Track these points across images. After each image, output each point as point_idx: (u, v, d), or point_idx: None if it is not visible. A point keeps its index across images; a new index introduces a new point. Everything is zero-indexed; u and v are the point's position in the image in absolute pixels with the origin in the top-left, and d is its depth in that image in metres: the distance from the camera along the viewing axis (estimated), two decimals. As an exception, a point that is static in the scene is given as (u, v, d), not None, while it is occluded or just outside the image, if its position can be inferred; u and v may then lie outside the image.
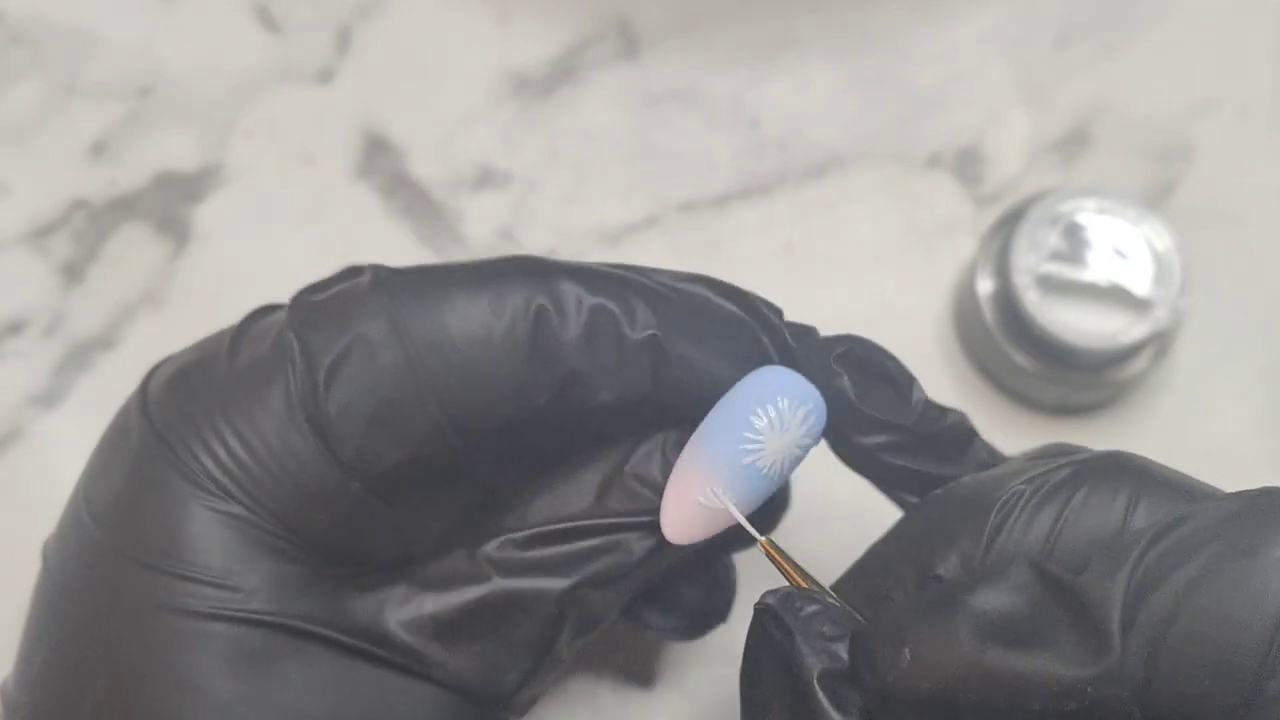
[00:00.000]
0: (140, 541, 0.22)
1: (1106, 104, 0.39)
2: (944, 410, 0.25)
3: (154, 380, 0.24)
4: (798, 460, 0.24)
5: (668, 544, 0.24)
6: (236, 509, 0.22)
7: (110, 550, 0.23)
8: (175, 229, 0.37)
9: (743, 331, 0.24)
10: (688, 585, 0.28)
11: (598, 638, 0.26)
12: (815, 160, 0.38)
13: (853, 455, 0.25)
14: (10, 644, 0.25)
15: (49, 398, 0.36)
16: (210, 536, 0.22)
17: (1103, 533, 0.20)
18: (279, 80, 0.39)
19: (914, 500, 0.25)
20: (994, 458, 0.25)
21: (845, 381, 0.24)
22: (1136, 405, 0.36)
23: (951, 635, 0.19)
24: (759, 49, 0.39)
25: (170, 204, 0.37)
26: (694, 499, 0.23)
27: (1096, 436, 0.36)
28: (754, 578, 0.28)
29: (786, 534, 0.27)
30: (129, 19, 0.39)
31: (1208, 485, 0.22)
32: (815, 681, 0.20)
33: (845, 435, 0.25)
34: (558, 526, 0.24)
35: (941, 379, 0.36)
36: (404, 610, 0.24)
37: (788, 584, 0.22)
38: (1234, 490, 0.20)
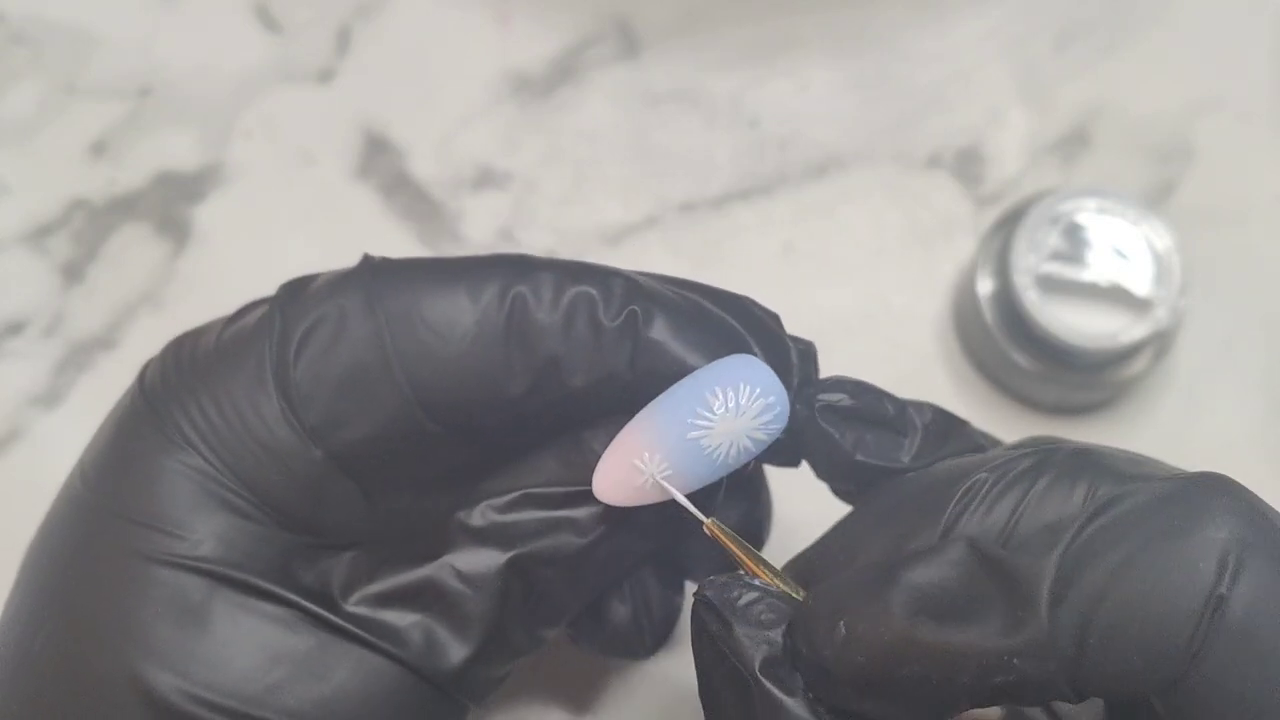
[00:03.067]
0: (113, 490, 0.23)
1: (1106, 104, 0.39)
2: (948, 424, 0.25)
3: (152, 363, 0.25)
4: (749, 453, 0.23)
5: (623, 529, 0.24)
6: (199, 462, 0.23)
7: (87, 500, 0.24)
8: (175, 229, 0.37)
9: (730, 335, 0.24)
10: (619, 603, 0.27)
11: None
12: (815, 160, 0.38)
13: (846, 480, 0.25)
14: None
15: (49, 398, 0.36)
16: (172, 487, 0.23)
17: (1063, 519, 0.20)
18: (279, 80, 0.39)
19: None
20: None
21: (836, 434, 0.24)
22: (1136, 405, 0.36)
23: (885, 609, 0.19)
24: (759, 49, 0.39)
25: (170, 204, 0.37)
26: (629, 461, 0.23)
27: (1096, 436, 0.36)
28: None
29: (789, 541, 0.27)
30: (129, 19, 0.39)
31: (1158, 469, 0.22)
32: (758, 671, 0.20)
33: (843, 475, 0.25)
34: (506, 498, 0.24)
35: (941, 379, 0.36)
36: (353, 578, 0.24)
37: (729, 574, 0.22)
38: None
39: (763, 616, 0.21)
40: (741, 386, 0.23)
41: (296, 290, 0.24)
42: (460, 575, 0.24)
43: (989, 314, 0.35)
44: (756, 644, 0.20)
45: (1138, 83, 0.39)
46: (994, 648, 0.18)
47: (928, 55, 0.39)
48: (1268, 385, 0.36)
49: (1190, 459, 0.35)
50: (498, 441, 0.25)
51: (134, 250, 0.37)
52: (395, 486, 0.25)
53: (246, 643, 0.22)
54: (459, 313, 0.23)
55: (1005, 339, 0.34)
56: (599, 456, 0.23)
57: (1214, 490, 0.19)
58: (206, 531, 0.23)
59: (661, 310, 0.24)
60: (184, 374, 0.24)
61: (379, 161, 0.38)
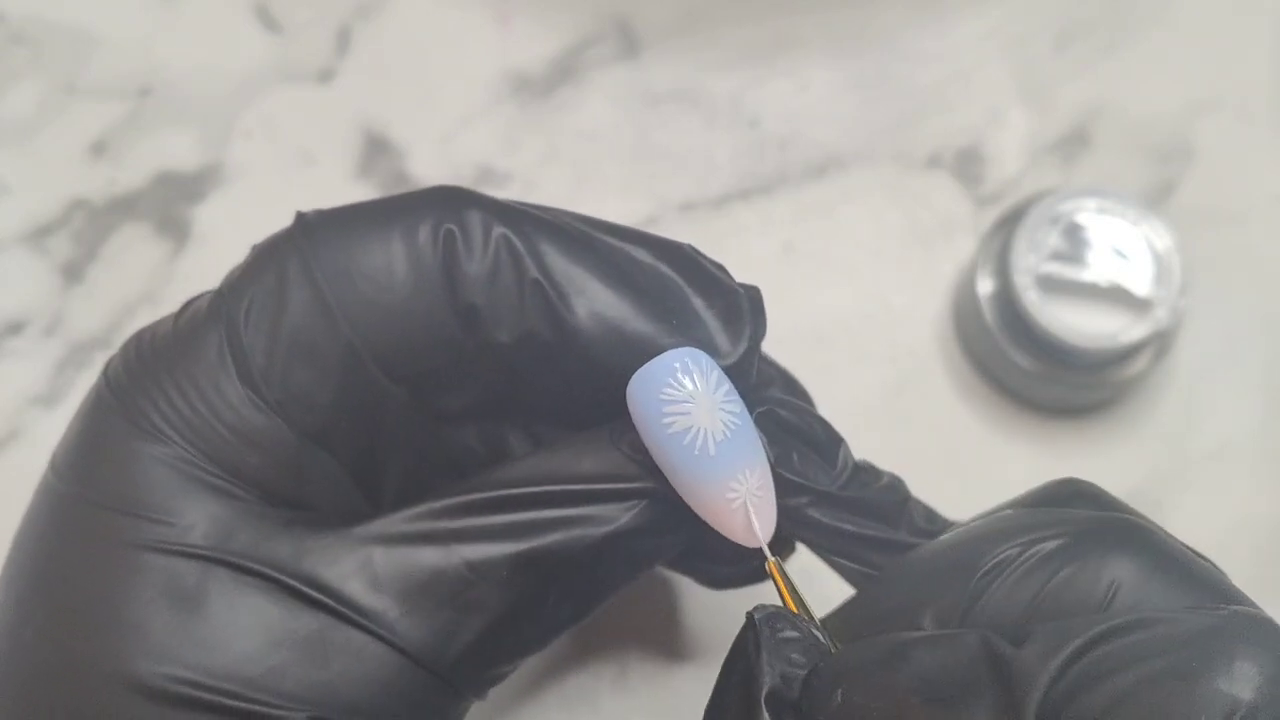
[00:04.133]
0: (90, 481, 0.23)
1: (1106, 104, 0.39)
2: (877, 474, 0.25)
3: (115, 352, 0.25)
4: (734, 426, 0.22)
5: (641, 531, 0.23)
6: (174, 450, 0.23)
7: (64, 493, 0.23)
8: (175, 229, 0.37)
9: (670, 292, 0.23)
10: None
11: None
12: (815, 160, 0.38)
13: (785, 519, 0.24)
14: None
15: (49, 398, 0.36)
16: (152, 475, 0.23)
17: (1080, 613, 0.20)
18: (279, 80, 0.39)
19: (852, 565, 0.24)
20: (932, 523, 0.25)
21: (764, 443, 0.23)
22: (1136, 405, 0.36)
23: (884, 685, 0.19)
24: (759, 49, 0.39)
25: (170, 204, 0.37)
26: (733, 481, 0.22)
27: (1096, 436, 0.36)
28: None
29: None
30: (129, 19, 0.39)
31: (1210, 568, 0.21)
32: (762, 698, 0.20)
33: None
34: (522, 490, 0.23)
35: (941, 379, 0.36)
36: (351, 560, 0.23)
37: (781, 604, 0.22)
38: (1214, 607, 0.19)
39: (792, 656, 0.21)
40: (691, 373, 0.22)
41: (236, 269, 0.24)
42: (469, 564, 0.23)
43: (989, 314, 0.35)
44: (775, 676, 0.20)
45: (1138, 83, 0.39)
46: None
47: (928, 55, 0.39)
48: (1268, 385, 0.36)
49: (1190, 459, 0.35)
50: (480, 409, 0.24)
51: (134, 250, 0.37)
52: (385, 461, 0.25)
53: (245, 625, 0.22)
54: (394, 260, 0.23)
55: (1005, 339, 0.34)
56: (622, 452, 0.23)
57: (1241, 637, 0.18)
58: (196, 515, 0.23)
59: (595, 267, 0.23)
60: (146, 364, 0.24)
61: (379, 161, 0.38)
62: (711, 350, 0.23)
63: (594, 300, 0.23)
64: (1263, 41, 0.39)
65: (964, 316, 0.36)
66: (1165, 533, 0.21)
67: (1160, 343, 0.34)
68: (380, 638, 0.23)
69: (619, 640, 0.32)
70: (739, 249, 0.37)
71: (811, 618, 0.22)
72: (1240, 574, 0.21)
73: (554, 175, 0.38)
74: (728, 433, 0.22)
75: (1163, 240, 0.34)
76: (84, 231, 0.37)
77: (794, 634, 0.21)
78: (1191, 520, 0.35)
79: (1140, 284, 0.34)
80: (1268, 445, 0.36)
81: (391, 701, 0.23)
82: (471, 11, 0.39)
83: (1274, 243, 0.37)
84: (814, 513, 0.24)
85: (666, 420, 0.22)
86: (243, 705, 0.22)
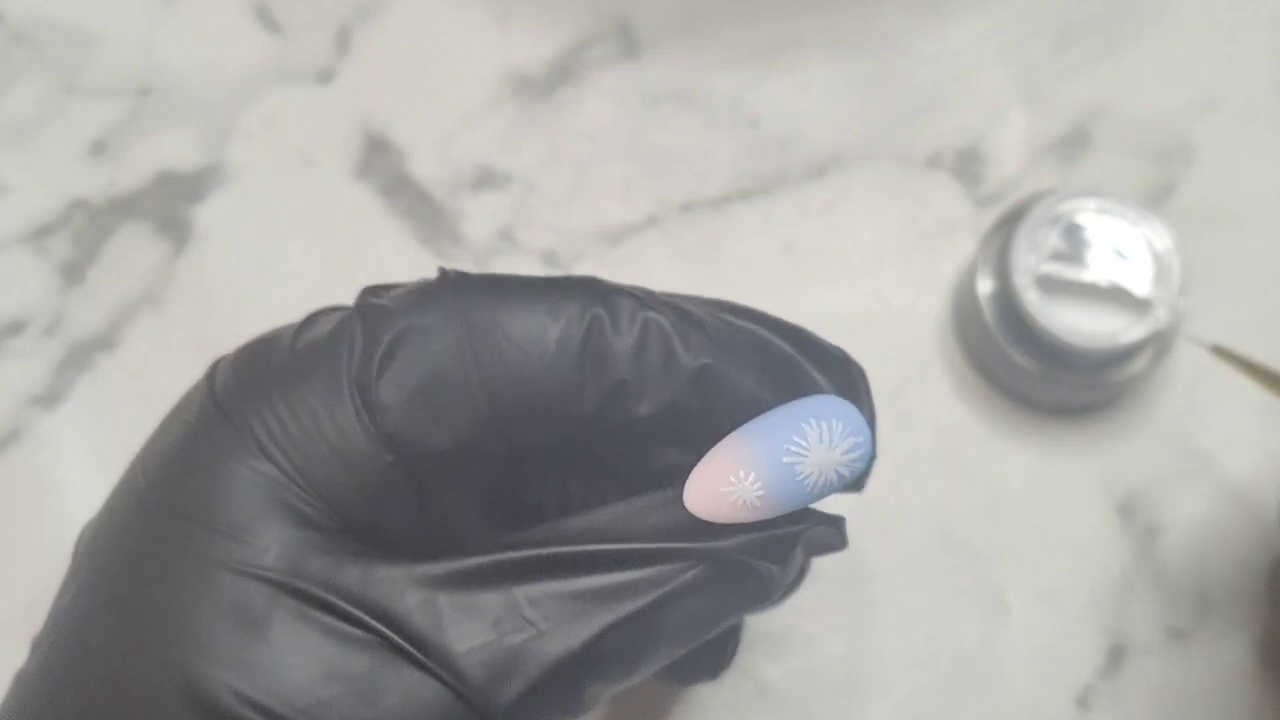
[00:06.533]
0: (177, 492, 0.23)
1: (1106, 104, 0.39)
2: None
3: (223, 359, 0.25)
4: (832, 486, 0.24)
5: (711, 583, 0.24)
6: (269, 468, 0.23)
7: (149, 499, 0.23)
8: (175, 229, 0.37)
9: (796, 369, 0.25)
10: None
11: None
12: (815, 160, 0.38)
13: None
14: (12, 645, 0.25)
15: (49, 398, 0.36)
16: (239, 491, 0.23)
17: None
18: (279, 80, 0.39)
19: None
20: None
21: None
22: (1136, 405, 0.36)
23: None
24: (759, 49, 0.39)
25: (170, 204, 0.37)
26: (725, 476, 0.23)
27: (1096, 436, 0.36)
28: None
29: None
30: (129, 19, 0.39)
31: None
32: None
33: None
34: (592, 548, 0.24)
35: (941, 379, 0.36)
36: (416, 596, 0.23)
37: None
38: None
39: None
40: (834, 422, 0.23)
41: (373, 298, 0.25)
42: (531, 611, 0.23)
43: (989, 314, 0.35)
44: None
45: (1138, 83, 0.39)
46: None
47: (928, 55, 0.39)
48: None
49: (1190, 459, 0.35)
50: (571, 468, 0.25)
51: (134, 250, 0.37)
52: (468, 505, 0.25)
53: (303, 655, 0.22)
54: (540, 329, 0.24)
55: (1005, 339, 0.34)
56: (686, 514, 0.24)
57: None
58: (272, 538, 0.23)
59: (728, 343, 0.24)
60: (259, 378, 0.24)
61: (379, 161, 0.38)
62: None
63: (734, 376, 0.24)
64: (1263, 41, 0.39)
65: (964, 316, 0.36)
66: None
67: (1160, 343, 0.34)
68: (435, 675, 0.23)
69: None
70: (739, 249, 0.37)
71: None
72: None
73: (554, 175, 0.38)
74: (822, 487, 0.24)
75: (1163, 240, 0.34)
76: (84, 231, 0.37)
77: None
78: (1192, 520, 0.35)
79: (1140, 284, 0.34)
80: (1268, 445, 0.36)
81: None
82: (471, 11, 0.39)
83: (1274, 243, 0.37)
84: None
85: (790, 446, 0.23)
86: None
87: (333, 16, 0.39)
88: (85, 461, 0.35)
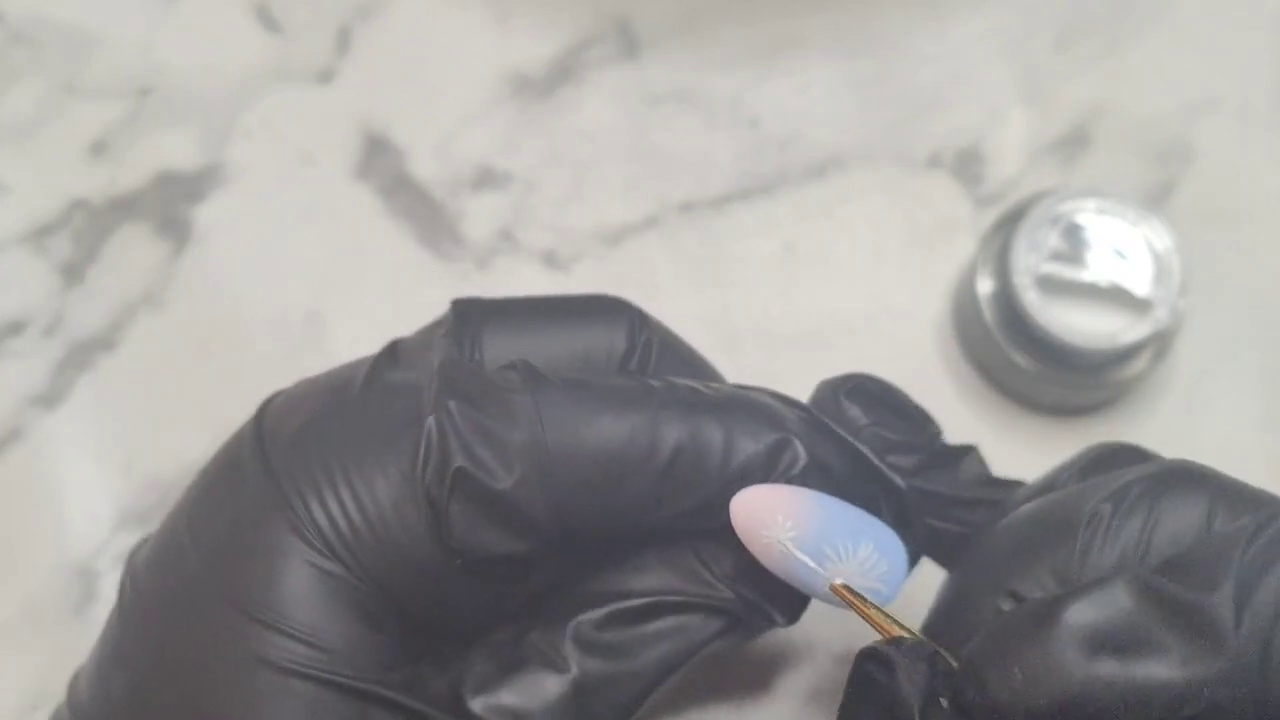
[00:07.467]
0: (238, 584, 0.22)
1: (1106, 104, 0.39)
2: (963, 448, 0.27)
3: (273, 418, 0.24)
4: (831, 598, 0.24)
5: (726, 631, 0.25)
6: (336, 568, 0.22)
7: (208, 587, 0.23)
8: (175, 229, 0.37)
9: (876, 474, 0.25)
10: None
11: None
12: (815, 160, 0.38)
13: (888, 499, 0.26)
14: (13, 646, 0.25)
15: (49, 398, 0.36)
16: (306, 592, 0.22)
17: (1187, 538, 0.21)
18: (279, 80, 0.39)
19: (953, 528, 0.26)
20: (996, 490, 0.26)
21: (857, 411, 0.25)
22: (1136, 405, 0.36)
23: (1059, 650, 0.19)
24: (759, 49, 0.39)
25: (170, 204, 0.37)
26: (772, 515, 0.23)
27: (1096, 436, 0.36)
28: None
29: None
30: (129, 19, 0.39)
31: (1262, 490, 0.22)
32: (918, 713, 0.20)
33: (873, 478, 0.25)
34: (629, 604, 0.24)
35: (941, 379, 0.36)
36: (484, 690, 0.24)
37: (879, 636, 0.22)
38: None
39: (923, 668, 0.21)
40: (881, 560, 0.24)
41: (455, 399, 0.23)
42: (591, 689, 0.24)
43: (989, 314, 0.35)
44: (920, 692, 0.21)
45: (1138, 83, 0.39)
46: (1183, 678, 0.18)
47: (928, 55, 0.39)
48: (1268, 385, 0.36)
49: (1190, 459, 0.35)
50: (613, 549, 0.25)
51: (134, 250, 0.37)
52: (517, 589, 0.25)
53: None
54: (621, 452, 0.23)
55: (1005, 339, 0.34)
56: (707, 563, 0.25)
57: None
58: (344, 644, 0.22)
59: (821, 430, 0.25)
60: (320, 459, 0.23)
61: (379, 161, 0.38)
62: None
63: (821, 455, 0.25)
64: (1263, 41, 0.39)
65: (964, 316, 0.36)
66: (1209, 467, 0.23)
67: (1160, 343, 0.34)
68: None
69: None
70: (739, 249, 0.37)
71: (901, 624, 0.23)
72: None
73: (554, 175, 0.38)
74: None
75: (1162, 240, 0.34)
76: (84, 231, 0.37)
77: (914, 650, 0.21)
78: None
79: (1140, 284, 0.34)
80: (1267, 446, 0.36)
81: None
82: (471, 11, 0.39)
83: (1274, 243, 0.37)
84: (915, 480, 0.25)
85: (838, 544, 0.24)
86: None
87: (333, 16, 0.39)
88: (85, 461, 0.35)
